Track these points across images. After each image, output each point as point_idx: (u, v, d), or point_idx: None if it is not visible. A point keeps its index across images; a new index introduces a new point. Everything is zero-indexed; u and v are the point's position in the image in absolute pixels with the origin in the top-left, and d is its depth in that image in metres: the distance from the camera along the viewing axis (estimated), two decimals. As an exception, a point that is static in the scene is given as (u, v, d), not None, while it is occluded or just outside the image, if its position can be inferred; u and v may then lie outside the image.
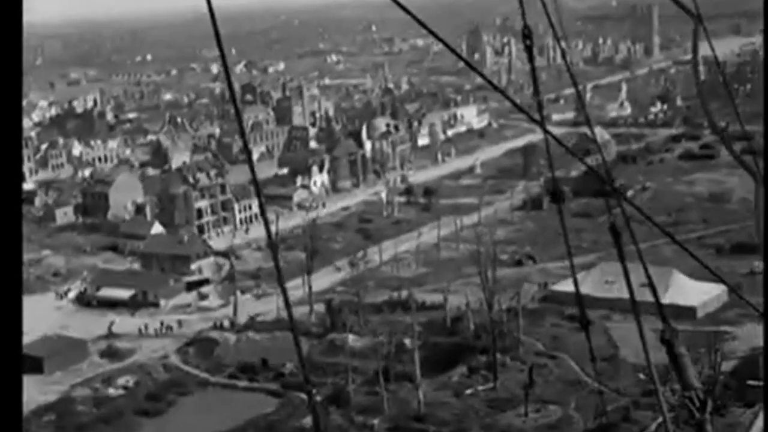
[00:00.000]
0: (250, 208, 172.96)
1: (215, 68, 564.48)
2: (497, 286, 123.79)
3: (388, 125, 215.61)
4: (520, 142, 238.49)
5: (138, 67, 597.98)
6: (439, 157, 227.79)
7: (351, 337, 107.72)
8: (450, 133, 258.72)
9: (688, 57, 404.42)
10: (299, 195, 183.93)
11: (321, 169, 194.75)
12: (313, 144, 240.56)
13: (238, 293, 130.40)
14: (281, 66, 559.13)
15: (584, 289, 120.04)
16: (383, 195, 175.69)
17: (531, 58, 7.92)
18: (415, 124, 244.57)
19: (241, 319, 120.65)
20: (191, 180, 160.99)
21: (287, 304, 7.60)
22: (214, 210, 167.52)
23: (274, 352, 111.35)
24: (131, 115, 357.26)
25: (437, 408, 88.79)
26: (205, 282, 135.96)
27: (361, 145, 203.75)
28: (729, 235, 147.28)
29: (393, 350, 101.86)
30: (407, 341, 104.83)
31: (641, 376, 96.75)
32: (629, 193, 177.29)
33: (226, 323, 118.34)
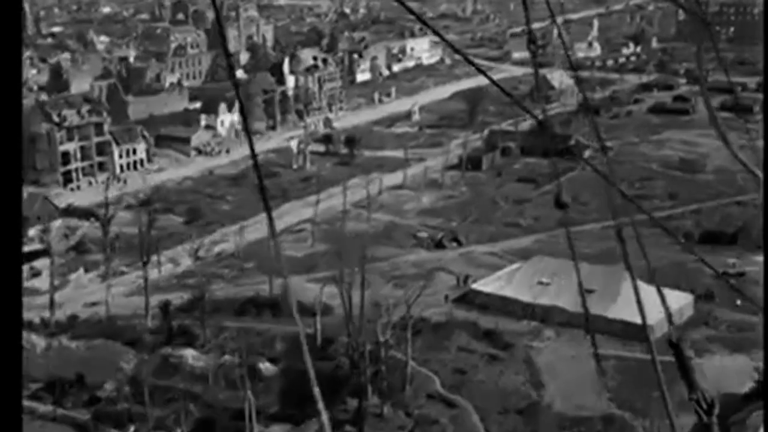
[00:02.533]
0: (133, 152, 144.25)
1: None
2: (402, 279, 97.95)
3: (315, 58, 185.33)
4: (472, 83, 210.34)
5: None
6: (377, 97, 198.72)
7: (191, 354, 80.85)
8: (396, 68, 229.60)
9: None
10: (199, 138, 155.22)
11: (230, 108, 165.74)
12: (241, 74, 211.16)
13: (80, 273, 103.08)
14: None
15: (509, 291, 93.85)
16: (293, 143, 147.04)
17: (535, 63, 8.04)
18: (355, 56, 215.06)
19: (67, 311, 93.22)
20: (55, 117, 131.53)
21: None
22: (87, 154, 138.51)
23: (93, 365, 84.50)
24: (56, 29, 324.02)
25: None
26: (42, 253, 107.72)
27: (282, 80, 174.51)
28: (700, 218, 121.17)
29: (243, 375, 74.79)
30: (262, 366, 78.29)
31: (572, 438, 70.75)
32: (586, 153, 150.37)
33: (38, 320, 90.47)
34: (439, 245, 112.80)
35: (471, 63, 7.72)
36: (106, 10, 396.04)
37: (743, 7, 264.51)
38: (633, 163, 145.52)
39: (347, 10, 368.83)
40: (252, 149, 6.55)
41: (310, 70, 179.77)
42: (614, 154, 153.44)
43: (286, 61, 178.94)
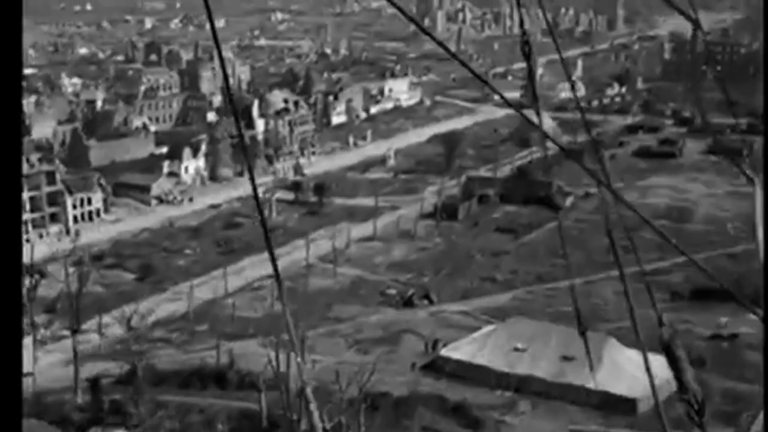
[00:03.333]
0: (89, 202, 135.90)
1: (149, 22, 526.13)
2: (365, 343, 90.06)
3: (286, 101, 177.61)
4: (451, 125, 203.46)
5: (75, 17, 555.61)
6: (351, 140, 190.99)
7: (122, 437, 72.08)
8: (374, 110, 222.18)
9: (654, 33, 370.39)
10: (160, 186, 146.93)
11: (195, 153, 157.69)
12: (212, 117, 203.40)
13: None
14: (221, 23, 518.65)
15: (481, 359, 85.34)
16: (259, 192, 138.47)
17: (530, 69, 7.26)
18: (331, 98, 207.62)
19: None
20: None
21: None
22: (37, 205, 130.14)
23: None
24: (29, 71, 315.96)
25: None
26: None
27: (251, 124, 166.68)
28: (688, 273, 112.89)
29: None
30: (201, 450, 69.69)
31: None
32: (568, 200, 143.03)
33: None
34: (408, 303, 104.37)
35: (498, 93, 7.50)
36: (83, 51, 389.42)
37: (730, 46, 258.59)
38: (618, 212, 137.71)
39: (328, 51, 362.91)
40: (254, 188, 6.18)
41: (280, 113, 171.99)
42: (599, 202, 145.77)
43: (255, 103, 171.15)
